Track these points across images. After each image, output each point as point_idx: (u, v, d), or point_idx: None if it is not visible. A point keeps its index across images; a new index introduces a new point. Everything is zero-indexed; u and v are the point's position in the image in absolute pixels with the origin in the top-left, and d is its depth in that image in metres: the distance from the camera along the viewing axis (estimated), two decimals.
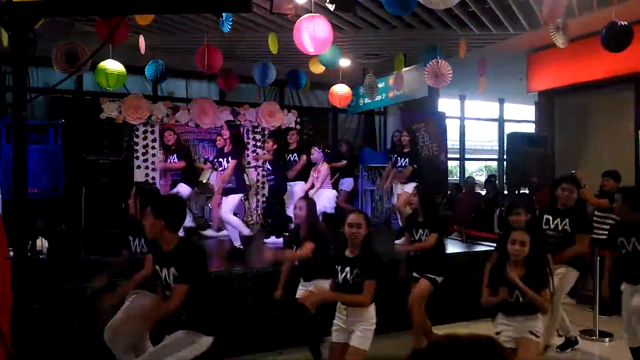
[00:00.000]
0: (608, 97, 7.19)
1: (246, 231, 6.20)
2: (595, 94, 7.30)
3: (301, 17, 5.37)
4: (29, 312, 2.10)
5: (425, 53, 7.06)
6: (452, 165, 13.45)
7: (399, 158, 6.66)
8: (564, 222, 4.34)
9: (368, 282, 3.28)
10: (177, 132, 8.66)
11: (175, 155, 6.83)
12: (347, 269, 3.35)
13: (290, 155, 7.24)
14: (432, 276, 4.41)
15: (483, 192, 10.03)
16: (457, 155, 12.56)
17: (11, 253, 2.20)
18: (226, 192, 6.08)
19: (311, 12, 5.48)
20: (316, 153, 6.47)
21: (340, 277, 3.37)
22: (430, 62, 6.70)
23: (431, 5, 4.03)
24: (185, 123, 9.11)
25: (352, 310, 3.34)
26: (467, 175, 12.09)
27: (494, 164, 15.39)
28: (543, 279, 3.35)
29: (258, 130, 9.60)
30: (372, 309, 3.37)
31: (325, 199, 6.32)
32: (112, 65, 6.51)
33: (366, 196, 9.55)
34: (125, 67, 6.64)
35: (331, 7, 5.57)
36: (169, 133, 7.04)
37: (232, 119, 9.33)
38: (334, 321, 3.44)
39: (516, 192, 7.24)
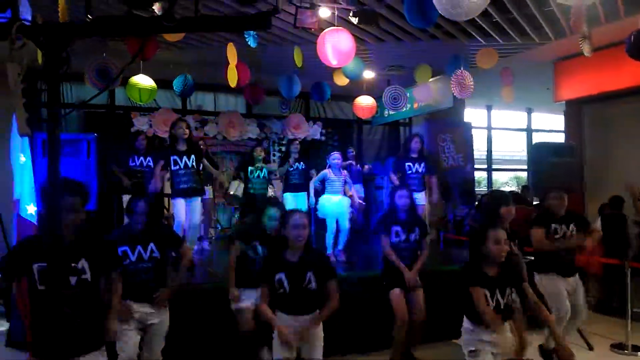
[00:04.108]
0: (636, 106, 7.05)
1: None
2: (622, 102, 7.17)
3: (324, 31, 5.46)
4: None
5: (450, 64, 7.08)
6: (481, 176, 13.31)
7: (411, 164, 6.22)
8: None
9: (332, 283, 3.13)
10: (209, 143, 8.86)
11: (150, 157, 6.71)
12: (296, 276, 3.09)
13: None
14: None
15: None
16: (485, 166, 12.43)
17: None
18: (201, 192, 5.67)
19: (334, 26, 5.58)
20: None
21: (289, 287, 3.07)
22: (455, 73, 6.72)
23: (453, 17, 4.06)
24: (213, 136, 9.28)
25: (308, 318, 3.10)
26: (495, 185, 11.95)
27: (524, 174, 15.17)
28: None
29: (284, 142, 9.71)
30: None
31: (346, 204, 6.28)
32: (144, 81, 6.70)
33: None
34: (155, 81, 6.83)
35: (354, 20, 5.66)
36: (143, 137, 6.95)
37: (258, 131, 9.49)
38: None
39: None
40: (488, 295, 3.06)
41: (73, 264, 2.51)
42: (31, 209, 4.10)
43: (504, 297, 3.09)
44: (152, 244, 3.52)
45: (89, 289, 2.56)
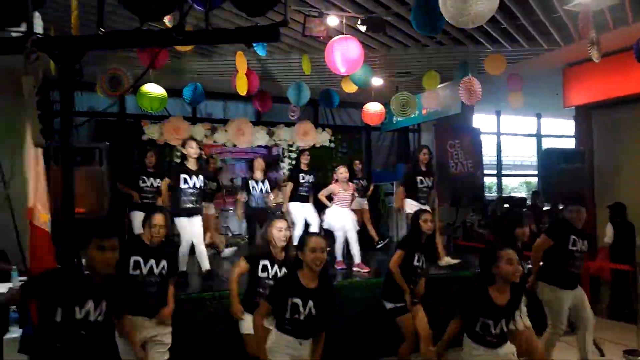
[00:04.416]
0: None
1: None
2: (632, 108, 7.13)
3: (333, 39, 5.51)
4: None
5: (458, 70, 7.09)
6: (491, 181, 13.27)
7: (422, 178, 6.29)
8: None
9: (328, 315, 3.12)
10: (215, 152, 8.92)
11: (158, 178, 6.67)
12: (311, 302, 3.00)
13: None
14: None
15: None
16: (495, 172, 12.39)
17: None
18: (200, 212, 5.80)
19: (342, 34, 5.62)
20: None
21: (303, 312, 2.99)
22: (464, 79, 6.73)
23: (459, 24, 4.07)
24: (223, 143, 9.34)
25: (308, 343, 3.08)
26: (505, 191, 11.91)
27: (534, 179, 15.09)
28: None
29: (293, 149, 9.75)
30: None
31: (352, 218, 6.34)
32: (154, 89, 6.77)
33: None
34: (166, 90, 6.89)
35: (362, 28, 5.70)
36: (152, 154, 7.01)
37: (268, 138, 9.53)
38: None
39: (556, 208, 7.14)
40: (492, 325, 3.04)
41: (94, 305, 2.58)
42: (44, 218, 4.15)
43: (508, 324, 3.11)
44: (164, 261, 3.60)
45: (101, 327, 2.62)
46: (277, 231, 3.75)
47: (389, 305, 4.31)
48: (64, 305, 1.99)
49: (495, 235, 5.27)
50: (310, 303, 2.99)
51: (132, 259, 3.52)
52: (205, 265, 5.61)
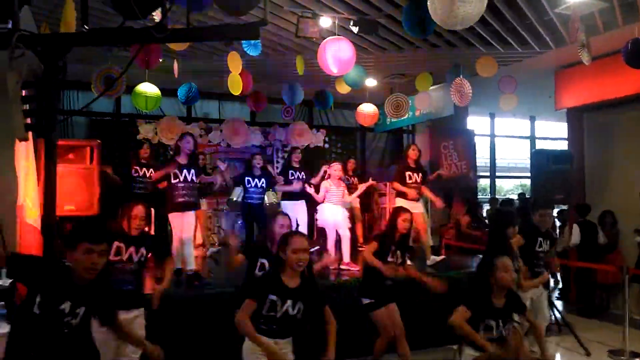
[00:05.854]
0: (636, 114, 7.07)
1: None
2: (622, 110, 7.19)
3: (325, 40, 5.55)
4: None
5: (450, 72, 7.14)
6: (485, 183, 13.32)
7: (410, 174, 6.31)
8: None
9: (327, 311, 3.05)
10: (208, 151, 8.95)
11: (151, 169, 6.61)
12: (289, 302, 2.93)
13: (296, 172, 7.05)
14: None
15: None
16: (488, 173, 12.45)
17: None
18: (196, 206, 5.74)
19: (335, 35, 5.66)
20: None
21: (280, 311, 2.92)
22: (455, 81, 6.79)
23: (448, 26, 4.12)
24: (217, 143, 9.36)
25: (286, 342, 3.03)
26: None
27: (529, 181, 15.16)
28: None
29: (287, 149, 9.78)
30: None
31: (344, 215, 6.35)
32: (148, 89, 6.80)
33: None
34: (162, 89, 6.91)
35: (354, 29, 5.75)
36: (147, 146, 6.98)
37: (262, 138, 9.57)
38: None
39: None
40: (494, 326, 3.20)
41: (71, 307, 2.44)
42: (35, 214, 4.18)
43: (505, 326, 3.26)
44: (143, 249, 3.53)
45: (76, 332, 2.51)
46: (279, 227, 3.75)
47: (365, 301, 4.34)
48: (45, 295, 1.96)
49: (489, 234, 5.40)
50: (289, 302, 2.93)
51: (114, 245, 3.40)
52: (191, 264, 5.46)
